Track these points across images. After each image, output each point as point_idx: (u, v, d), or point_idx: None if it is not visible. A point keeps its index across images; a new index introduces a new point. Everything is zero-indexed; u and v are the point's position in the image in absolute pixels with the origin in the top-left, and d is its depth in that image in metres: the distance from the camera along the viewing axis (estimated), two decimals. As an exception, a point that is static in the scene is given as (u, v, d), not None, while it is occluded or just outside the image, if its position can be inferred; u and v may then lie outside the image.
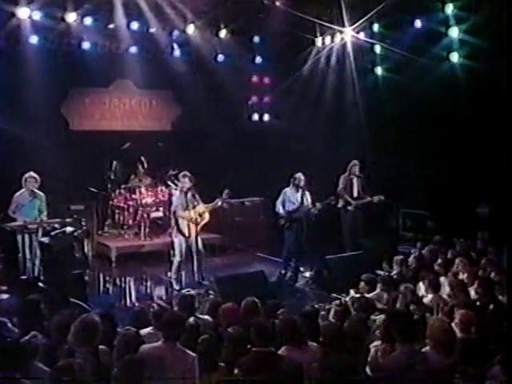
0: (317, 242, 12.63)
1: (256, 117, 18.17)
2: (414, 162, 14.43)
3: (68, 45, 14.58)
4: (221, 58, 16.45)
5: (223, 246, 14.76)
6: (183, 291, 8.70)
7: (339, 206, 13.46)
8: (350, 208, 13.39)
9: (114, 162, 15.22)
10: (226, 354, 6.18)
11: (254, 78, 18.04)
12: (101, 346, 6.10)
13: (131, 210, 14.93)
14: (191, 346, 6.14)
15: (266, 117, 18.24)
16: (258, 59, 17.22)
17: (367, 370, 6.00)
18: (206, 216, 11.82)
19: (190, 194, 11.67)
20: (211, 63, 16.23)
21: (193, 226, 11.55)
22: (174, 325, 6.11)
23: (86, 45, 14.76)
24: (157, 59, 15.85)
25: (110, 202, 15.21)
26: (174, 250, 11.90)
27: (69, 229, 10.34)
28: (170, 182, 14.64)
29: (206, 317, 7.49)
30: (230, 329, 6.43)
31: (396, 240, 13.94)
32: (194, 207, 11.61)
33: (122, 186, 15.16)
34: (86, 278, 10.47)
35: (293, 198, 12.50)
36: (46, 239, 10.10)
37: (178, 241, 11.71)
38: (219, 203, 11.88)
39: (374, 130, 15.02)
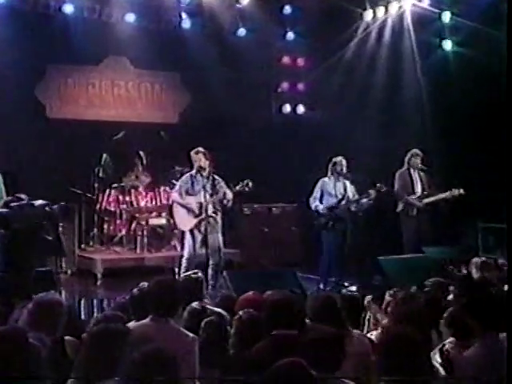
0: (366, 248, 12.25)
1: (288, 108, 17.53)
2: (494, 159, 13.10)
3: (45, 7, 14.28)
4: (242, 31, 16.05)
5: (244, 263, 14.27)
6: (188, 272, 8.08)
7: (398, 210, 12.89)
8: (413, 213, 12.73)
9: (104, 156, 14.49)
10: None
11: (285, 59, 17.46)
12: (68, 337, 5.68)
13: (125, 215, 14.39)
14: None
15: (301, 108, 17.61)
16: (290, 35, 16.79)
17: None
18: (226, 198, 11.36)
19: (199, 178, 11.32)
20: (230, 38, 15.95)
21: (198, 219, 11.30)
22: (162, 293, 5.84)
23: (68, 8, 14.32)
24: (161, 31, 15.58)
25: (98, 206, 14.57)
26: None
27: (39, 202, 9.65)
28: (175, 181, 13.83)
29: (218, 309, 6.84)
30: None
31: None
32: (202, 193, 11.24)
33: (114, 186, 14.57)
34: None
35: (333, 189, 12.22)
36: (3, 211, 9.32)
37: (187, 237, 11.58)
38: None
39: (441, 119, 14.43)
